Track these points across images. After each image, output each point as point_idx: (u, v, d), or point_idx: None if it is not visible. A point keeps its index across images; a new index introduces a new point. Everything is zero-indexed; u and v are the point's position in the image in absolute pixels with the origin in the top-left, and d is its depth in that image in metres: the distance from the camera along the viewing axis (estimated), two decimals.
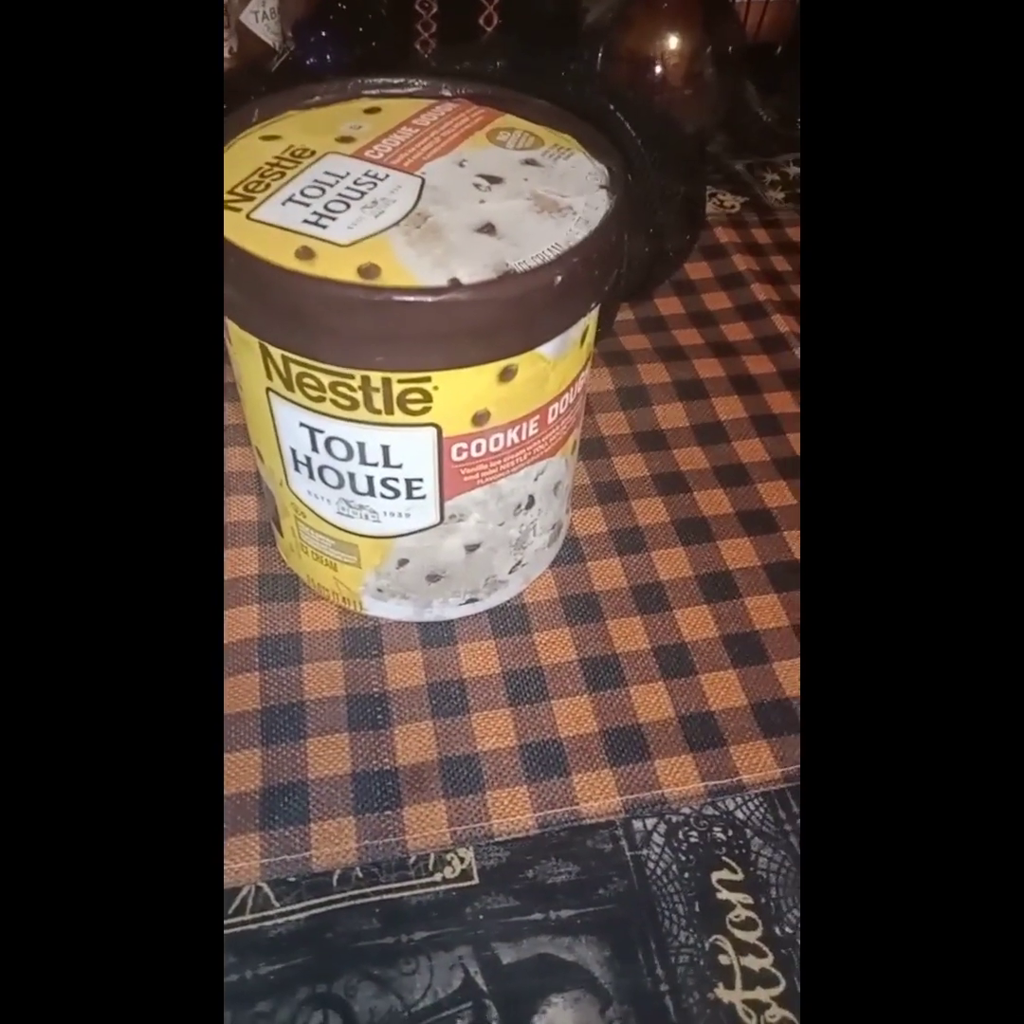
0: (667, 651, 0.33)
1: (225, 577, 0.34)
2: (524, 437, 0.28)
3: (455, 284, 0.23)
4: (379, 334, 0.23)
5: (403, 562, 0.31)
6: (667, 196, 0.43)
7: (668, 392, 0.43)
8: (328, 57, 0.52)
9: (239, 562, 0.35)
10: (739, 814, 0.29)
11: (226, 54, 0.51)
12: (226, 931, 0.26)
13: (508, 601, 0.35)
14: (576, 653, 0.33)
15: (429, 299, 0.23)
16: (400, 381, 0.25)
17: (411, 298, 0.22)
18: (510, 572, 0.33)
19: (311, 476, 0.29)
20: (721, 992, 0.26)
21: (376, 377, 0.24)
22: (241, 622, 0.33)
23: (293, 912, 0.27)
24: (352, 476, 0.28)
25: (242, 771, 0.29)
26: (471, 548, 0.31)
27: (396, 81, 0.31)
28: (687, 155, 0.44)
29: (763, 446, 0.41)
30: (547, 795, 0.29)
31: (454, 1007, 0.25)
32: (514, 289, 0.23)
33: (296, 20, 0.52)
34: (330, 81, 0.31)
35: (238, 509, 0.37)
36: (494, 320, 0.24)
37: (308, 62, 0.51)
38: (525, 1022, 0.25)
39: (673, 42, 0.52)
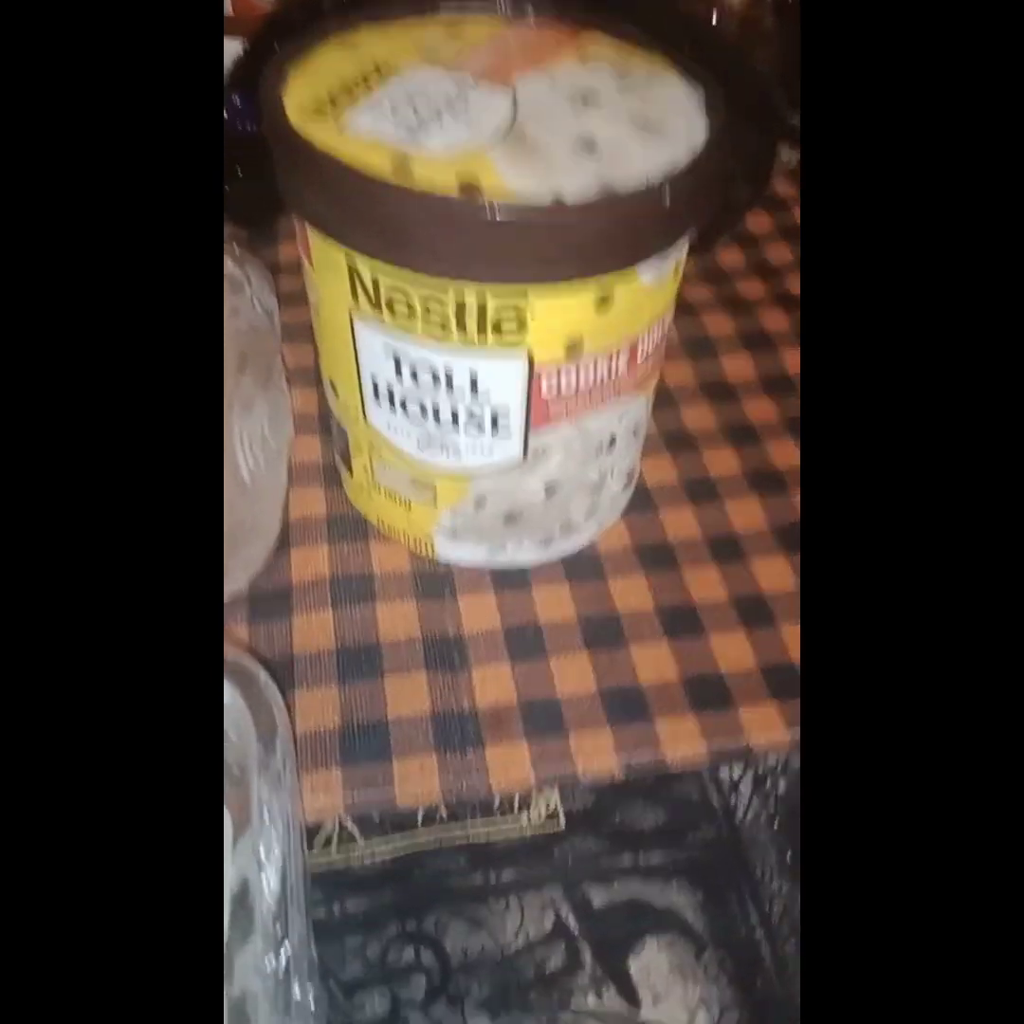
0: (745, 601, 0.33)
1: (293, 516, 0.34)
2: (614, 372, 0.27)
3: (560, 203, 0.22)
4: (480, 252, 0.22)
5: (481, 501, 0.30)
6: (736, 142, 0.42)
7: (734, 343, 0.42)
8: None
9: (306, 502, 0.34)
10: None
11: None
12: (312, 868, 0.26)
13: (581, 548, 0.34)
14: (653, 601, 0.33)
15: (535, 218, 0.22)
16: (494, 298, 0.24)
17: (516, 217, 0.22)
18: (585, 518, 0.32)
19: (392, 408, 0.28)
20: None
21: (471, 295, 0.24)
22: (311, 561, 0.33)
23: (378, 848, 0.26)
24: (437, 407, 0.27)
25: (320, 709, 0.29)
26: (551, 489, 0.30)
27: None
28: (757, 100, 0.43)
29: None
30: (631, 739, 0.29)
31: (547, 947, 0.25)
32: (620, 209, 0.23)
33: None
34: None
35: (303, 450, 0.36)
36: (597, 240, 0.23)
37: None
38: (620, 964, 0.24)
39: None
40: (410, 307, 0.24)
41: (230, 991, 0.22)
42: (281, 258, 0.45)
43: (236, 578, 0.31)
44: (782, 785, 0.28)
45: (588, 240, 0.23)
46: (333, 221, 0.24)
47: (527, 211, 0.22)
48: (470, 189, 0.22)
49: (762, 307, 0.44)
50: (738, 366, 0.41)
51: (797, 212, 0.50)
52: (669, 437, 0.38)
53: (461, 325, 0.24)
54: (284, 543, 0.33)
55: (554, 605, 0.32)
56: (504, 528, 0.31)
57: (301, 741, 0.28)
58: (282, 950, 0.20)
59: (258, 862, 0.22)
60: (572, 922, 0.25)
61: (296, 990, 0.20)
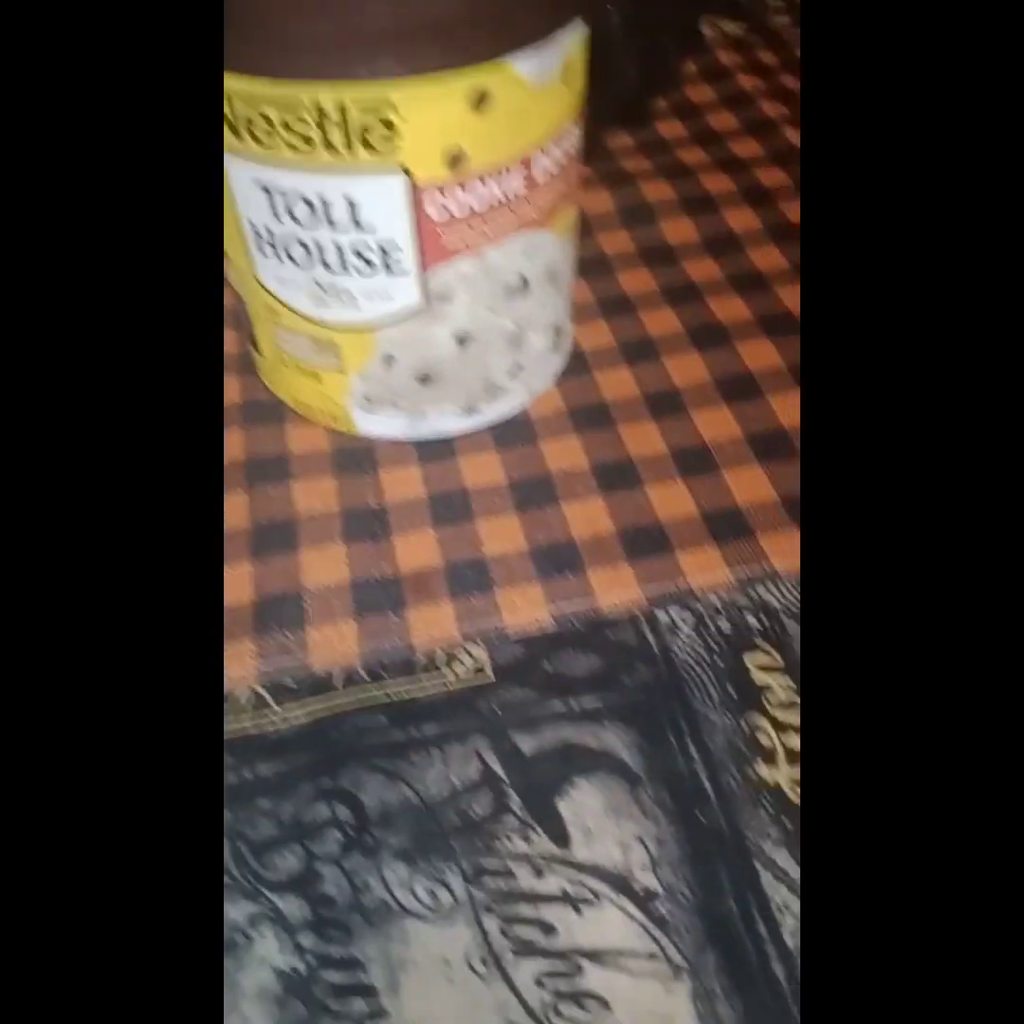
0: (686, 452, 0.31)
1: None
2: (509, 193, 0.25)
3: None
4: (325, 27, 0.21)
5: (389, 359, 0.29)
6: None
7: (674, 208, 0.40)
8: None
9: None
10: (772, 601, 0.27)
11: None
12: (225, 736, 0.24)
13: (511, 416, 0.32)
14: (587, 459, 0.31)
15: None
16: (356, 104, 0.22)
17: None
18: (510, 378, 0.31)
19: (278, 257, 0.26)
20: (762, 770, 0.24)
21: (329, 102, 0.22)
22: (226, 447, 0.31)
23: (293, 713, 0.25)
24: (320, 247, 0.25)
25: (233, 585, 0.27)
26: (462, 340, 0.28)
27: None
28: None
29: (781, 253, 0.38)
30: (562, 591, 0.27)
31: (472, 795, 0.23)
32: None
33: None
34: None
35: None
36: (459, 12, 0.21)
37: None
38: (548, 806, 0.23)
39: None
40: (270, 125, 0.23)
41: None
42: None
43: None
44: (725, 625, 0.26)
45: (439, 18, 0.21)
46: None
47: None
48: None
49: (704, 172, 0.42)
50: (679, 229, 0.39)
51: (741, 79, 0.47)
52: (606, 303, 0.36)
53: (326, 140, 0.23)
54: None
55: (482, 471, 0.31)
56: (420, 390, 0.30)
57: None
58: None
59: None
60: (499, 769, 0.24)
61: None
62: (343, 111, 0.22)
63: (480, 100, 0.23)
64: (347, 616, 0.27)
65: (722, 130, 0.45)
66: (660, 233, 0.39)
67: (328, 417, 0.31)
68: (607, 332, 0.35)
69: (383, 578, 0.28)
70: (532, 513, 0.29)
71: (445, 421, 0.31)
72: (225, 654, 0.26)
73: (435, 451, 0.31)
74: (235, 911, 0.21)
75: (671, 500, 0.29)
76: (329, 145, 0.23)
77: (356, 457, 0.31)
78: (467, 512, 0.29)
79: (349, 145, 0.23)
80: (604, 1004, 0.20)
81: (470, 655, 0.26)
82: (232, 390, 0.33)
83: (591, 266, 0.38)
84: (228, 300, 0.36)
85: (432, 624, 0.27)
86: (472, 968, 0.21)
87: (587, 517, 0.29)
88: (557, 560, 0.28)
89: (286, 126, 0.23)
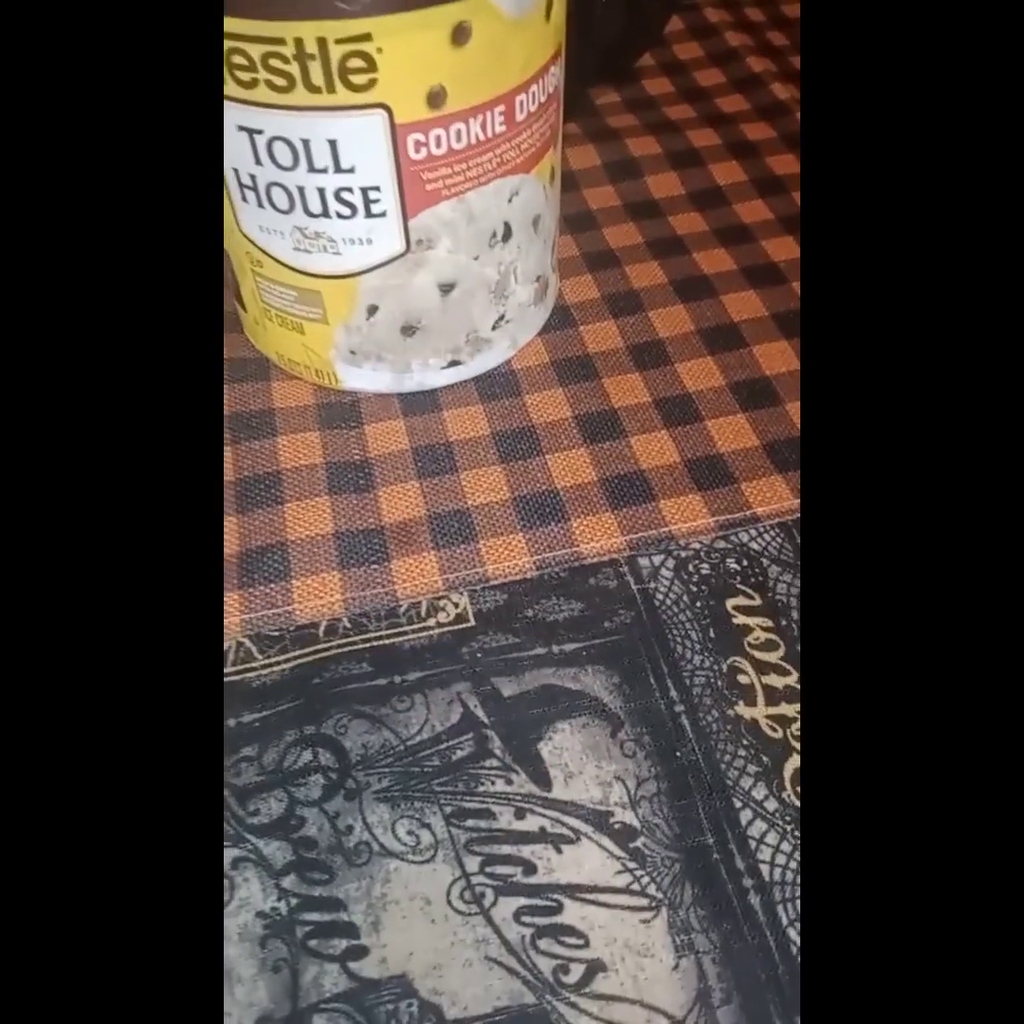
0: (670, 402, 0.31)
1: None
2: (490, 133, 0.25)
3: None
4: None
5: (373, 309, 0.28)
6: None
7: (660, 162, 0.40)
8: None
9: None
10: (753, 545, 0.27)
11: None
12: None
13: (495, 367, 0.32)
14: (571, 411, 0.31)
15: None
16: (338, 41, 0.22)
17: None
18: (493, 328, 0.30)
19: (260, 203, 0.26)
20: (742, 709, 0.24)
21: (309, 37, 0.21)
22: None
23: (277, 663, 0.25)
24: (302, 191, 0.25)
25: (224, 538, 0.27)
26: (446, 288, 0.28)
27: None
28: None
29: (767, 206, 0.38)
30: (544, 540, 0.27)
31: (454, 739, 0.23)
32: None
33: None
34: None
35: None
36: None
37: None
38: (530, 749, 0.23)
39: None
40: (250, 63, 0.22)
41: None
42: None
43: None
44: (705, 569, 0.26)
45: None
46: None
47: None
48: None
49: (690, 126, 0.41)
50: (665, 183, 0.39)
51: (728, 36, 0.47)
52: (591, 258, 0.36)
53: (306, 78, 0.22)
54: None
55: (466, 423, 0.30)
56: (404, 341, 0.29)
57: None
58: None
59: None
60: (480, 713, 0.24)
61: None
62: (324, 47, 0.22)
63: (460, 34, 0.22)
64: (331, 567, 0.27)
65: (709, 86, 0.44)
66: (645, 187, 0.39)
67: (312, 372, 0.31)
68: (592, 285, 0.35)
69: (367, 529, 0.28)
70: (516, 464, 0.29)
71: (429, 374, 0.31)
72: None
73: (419, 404, 0.31)
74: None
75: (654, 449, 0.29)
76: (309, 83, 0.22)
77: (341, 411, 0.31)
78: (451, 464, 0.29)
79: (330, 83, 0.22)
80: (583, 938, 0.20)
81: (453, 603, 0.26)
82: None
83: (577, 221, 0.37)
84: None
85: (416, 574, 0.27)
86: (452, 906, 0.21)
87: (570, 467, 0.29)
88: (540, 510, 0.28)
89: (266, 64, 0.22)
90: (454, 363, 0.31)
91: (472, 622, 0.26)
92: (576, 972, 0.20)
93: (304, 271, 0.27)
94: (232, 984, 0.20)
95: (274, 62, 0.22)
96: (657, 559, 0.27)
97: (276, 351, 0.31)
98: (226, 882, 0.21)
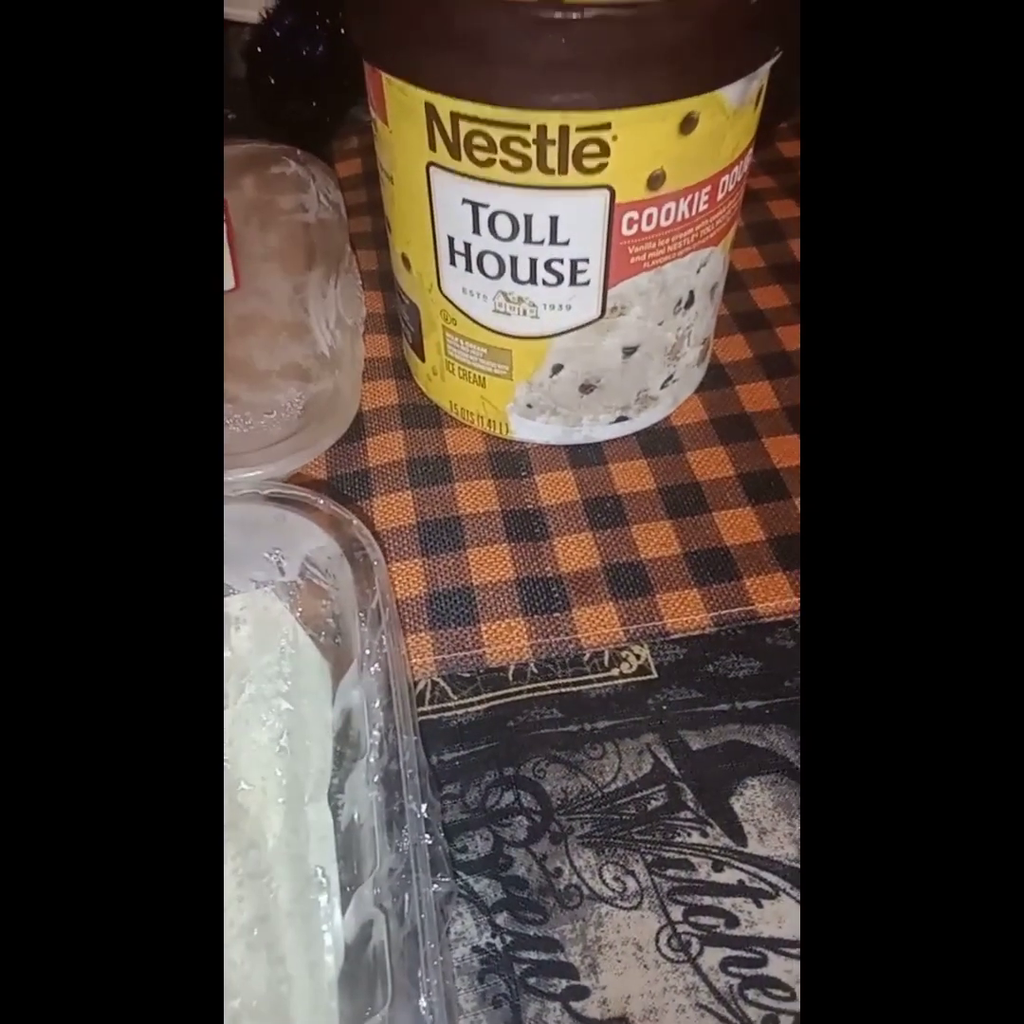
0: None
1: (366, 407, 0.34)
2: (694, 211, 0.26)
3: (647, 2, 0.22)
4: (565, 59, 0.22)
5: (557, 369, 0.30)
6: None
7: (798, 226, 0.41)
8: None
9: (378, 394, 0.34)
10: None
11: None
12: None
13: (657, 423, 0.33)
14: (733, 469, 0.32)
15: (621, 13, 0.21)
16: (579, 130, 0.23)
17: (603, 12, 0.21)
18: (662, 387, 0.32)
19: (468, 267, 0.28)
20: None
21: (553, 125, 0.23)
22: (387, 447, 0.32)
23: (471, 704, 0.26)
24: (514, 260, 0.27)
25: (406, 578, 0.29)
26: (629, 351, 0.30)
27: None
28: None
29: None
30: (720, 597, 0.28)
31: (648, 789, 0.24)
32: (710, 5, 0.22)
33: None
34: None
35: (372, 347, 0.36)
36: (685, 41, 0.22)
37: None
38: (722, 803, 0.24)
39: None
40: (490, 145, 0.24)
41: (339, 821, 0.22)
42: (335, 172, 0.44)
43: (325, 442, 0.32)
44: None
45: (675, 45, 0.22)
46: (413, 58, 0.23)
47: (614, 7, 0.21)
48: None
49: None
50: None
51: None
52: (741, 317, 0.37)
53: (542, 162, 0.24)
54: (359, 432, 0.33)
55: (632, 477, 0.32)
56: (580, 398, 0.31)
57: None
58: (392, 768, 0.20)
59: (360, 696, 0.22)
60: (671, 765, 0.25)
61: (409, 805, 0.20)
62: (565, 134, 0.23)
63: (688, 124, 0.24)
64: (516, 613, 0.28)
65: None
66: (789, 251, 0.40)
67: (485, 421, 0.32)
68: (744, 345, 0.36)
69: (545, 577, 0.29)
70: (684, 520, 0.30)
71: (597, 428, 0.32)
72: (408, 645, 0.27)
73: (585, 456, 0.32)
74: (431, 883, 0.22)
75: None
76: (544, 165, 0.24)
77: (512, 461, 0.32)
78: (621, 516, 0.31)
79: (563, 166, 0.24)
80: (789, 991, 0.21)
81: (635, 655, 0.27)
82: (389, 393, 0.34)
83: (726, 281, 0.39)
84: (380, 307, 0.37)
85: (597, 623, 0.28)
86: (661, 952, 0.22)
87: (738, 525, 0.30)
88: (713, 566, 0.29)
89: (506, 147, 0.24)
90: (622, 419, 0.32)
91: (655, 674, 0.27)
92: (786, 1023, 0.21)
93: (500, 331, 0.29)
94: (453, 1016, 0.21)
95: (514, 145, 0.24)
96: None
97: (450, 400, 0.33)
98: (439, 915, 0.22)
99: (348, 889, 0.20)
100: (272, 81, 0.43)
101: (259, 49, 0.44)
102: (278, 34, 0.43)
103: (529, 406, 0.31)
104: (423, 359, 0.33)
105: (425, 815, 0.20)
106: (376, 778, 0.20)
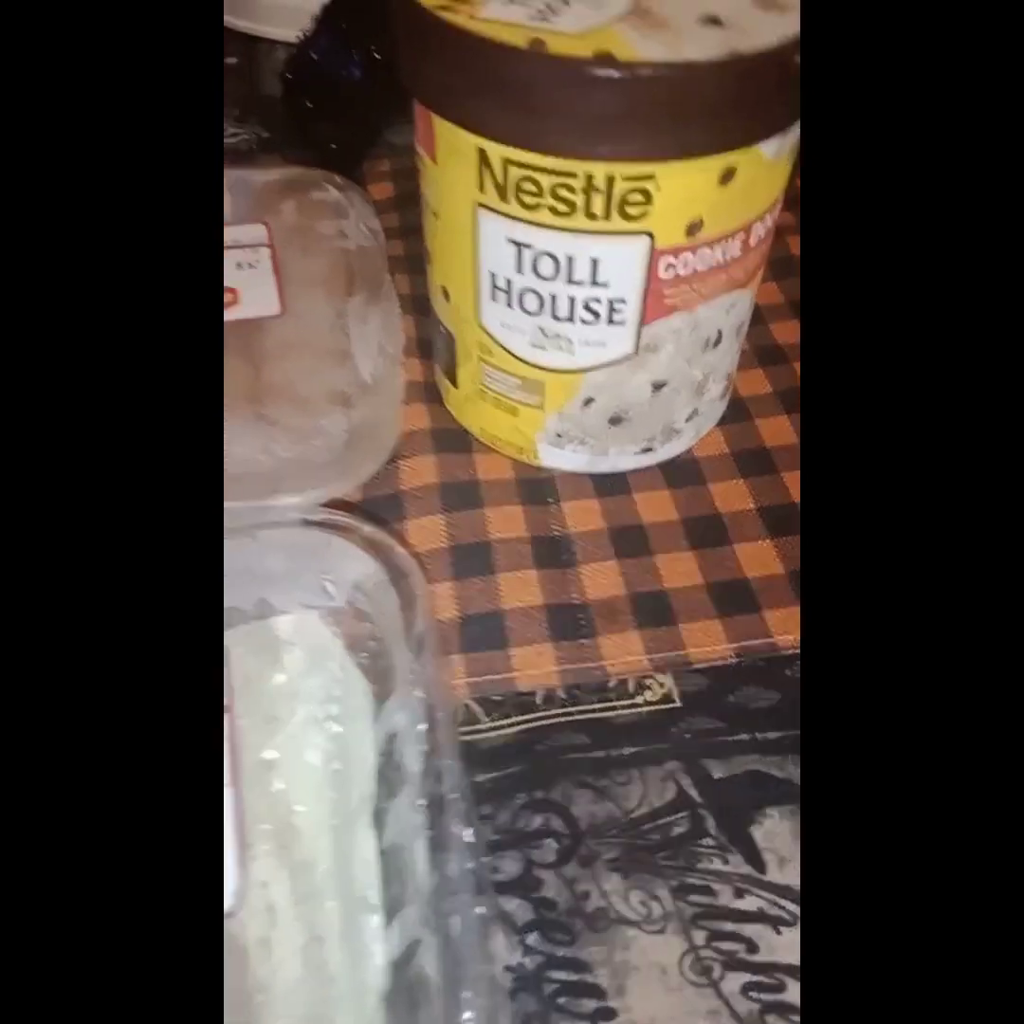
0: None
1: (401, 430, 0.35)
2: (728, 257, 0.27)
3: (692, 63, 0.23)
4: (613, 120, 0.23)
5: (589, 401, 0.31)
6: None
7: None
8: None
9: (411, 418, 0.35)
10: None
11: None
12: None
13: (679, 455, 0.34)
14: (753, 502, 0.33)
15: (668, 75, 0.22)
16: (624, 179, 0.24)
17: (653, 71, 0.22)
18: (686, 420, 0.33)
19: (509, 304, 0.28)
20: None
21: (600, 174, 0.24)
22: (420, 470, 0.33)
23: (502, 727, 0.27)
24: (554, 298, 0.28)
25: (439, 601, 0.30)
26: (658, 386, 0.30)
27: None
28: None
29: None
30: (741, 629, 0.29)
31: (670, 816, 0.25)
32: (750, 68, 0.23)
33: None
34: None
35: (406, 370, 0.37)
36: (727, 99, 0.23)
37: None
38: (743, 831, 0.25)
39: None
40: (538, 190, 0.25)
41: (382, 843, 0.23)
42: (371, 198, 0.45)
43: (368, 468, 0.32)
44: None
45: (718, 103, 0.23)
46: (466, 105, 0.24)
47: (661, 67, 0.22)
48: (604, 56, 0.23)
49: None
50: None
51: None
52: (761, 352, 0.38)
53: (588, 206, 0.25)
54: (393, 455, 0.34)
55: (656, 507, 0.33)
56: (609, 430, 0.32)
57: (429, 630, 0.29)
58: (437, 792, 0.21)
59: (404, 720, 0.23)
60: (694, 793, 0.26)
61: (453, 828, 0.20)
62: (611, 183, 0.24)
63: (727, 175, 0.25)
64: (544, 639, 0.29)
65: None
66: None
67: (514, 448, 0.33)
68: (764, 380, 0.37)
69: (572, 604, 0.30)
70: (707, 551, 0.31)
71: (623, 459, 0.33)
72: (438, 667, 0.28)
73: (611, 485, 0.33)
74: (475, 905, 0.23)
75: None
76: (589, 211, 0.25)
77: (539, 487, 0.33)
78: (646, 546, 0.31)
79: (607, 212, 0.25)
80: None
81: (659, 683, 0.28)
82: (422, 417, 0.35)
83: None
84: (412, 331, 0.38)
85: (622, 651, 0.29)
86: (685, 976, 0.23)
87: (759, 558, 0.31)
88: (734, 598, 0.30)
89: (554, 193, 0.25)
90: (647, 449, 0.33)
91: (678, 703, 0.28)
92: None
93: (536, 364, 0.30)
94: None
95: (562, 191, 0.25)
96: None
97: (480, 426, 0.34)
98: (482, 936, 0.23)
99: (393, 910, 0.21)
100: (308, 104, 0.44)
101: (293, 73, 0.44)
102: (315, 57, 0.44)
103: (558, 435, 0.32)
104: (456, 385, 0.34)
105: (471, 839, 0.21)
106: (420, 802, 0.21)
